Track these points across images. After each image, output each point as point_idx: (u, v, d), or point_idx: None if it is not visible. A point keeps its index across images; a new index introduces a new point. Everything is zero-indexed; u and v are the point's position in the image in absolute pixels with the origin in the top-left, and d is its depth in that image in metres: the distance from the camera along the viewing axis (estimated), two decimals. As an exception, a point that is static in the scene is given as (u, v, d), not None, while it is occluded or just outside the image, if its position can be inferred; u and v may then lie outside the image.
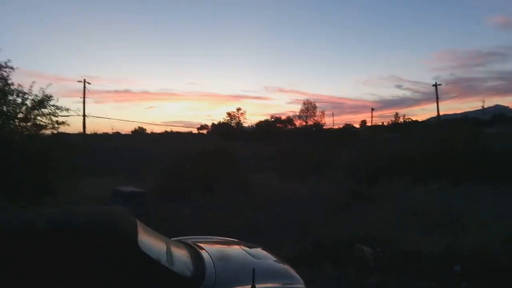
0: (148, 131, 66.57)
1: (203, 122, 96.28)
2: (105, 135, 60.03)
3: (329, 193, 13.15)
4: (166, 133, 61.73)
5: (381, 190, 13.15)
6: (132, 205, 8.12)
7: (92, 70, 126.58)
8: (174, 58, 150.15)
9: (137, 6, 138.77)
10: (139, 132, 65.03)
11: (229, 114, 60.98)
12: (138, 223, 2.86)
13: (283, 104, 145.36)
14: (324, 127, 60.08)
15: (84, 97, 34.14)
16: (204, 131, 67.93)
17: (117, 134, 61.10)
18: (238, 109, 61.38)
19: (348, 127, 73.22)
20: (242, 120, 61.47)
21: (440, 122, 37.69)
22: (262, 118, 73.75)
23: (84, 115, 32.87)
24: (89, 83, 35.09)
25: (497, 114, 74.93)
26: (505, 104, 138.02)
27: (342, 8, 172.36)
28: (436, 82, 38.76)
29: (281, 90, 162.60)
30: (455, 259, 5.82)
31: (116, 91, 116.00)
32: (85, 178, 14.97)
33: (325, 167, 19.58)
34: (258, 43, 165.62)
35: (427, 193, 12.24)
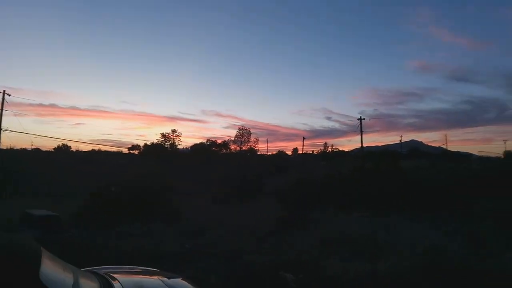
0: (73, 148, 62.21)
1: (135, 142, 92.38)
2: (23, 151, 54.90)
3: (260, 218, 13.23)
4: (93, 151, 58.23)
5: (309, 216, 13.54)
6: (44, 230, 7.36)
7: (15, 81, 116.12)
8: (107, 75, 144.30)
9: (70, 17, 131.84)
10: (63, 150, 60.47)
11: (163, 135, 59.41)
12: (43, 251, 2.58)
13: (219, 129, 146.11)
14: (258, 153, 61.12)
15: (1, 110, 31.11)
16: (136, 152, 65.26)
17: (37, 151, 56.19)
18: (173, 131, 60.10)
19: (281, 154, 75.40)
20: (177, 142, 60.27)
21: (364, 154, 40.43)
22: (198, 141, 73.15)
23: (-1, 129, 29.81)
24: (9, 95, 32.28)
25: (413, 149, 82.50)
26: (420, 140, 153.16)
27: (280, 45, 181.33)
28: (361, 116, 41.87)
29: (219, 115, 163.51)
30: (371, 284, 6.12)
31: (41, 105, 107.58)
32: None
33: (258, 192, 19.74)
34: (197, 66, 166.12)
35: (351, 220, 12.87)
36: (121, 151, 67.33)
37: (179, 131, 61.81)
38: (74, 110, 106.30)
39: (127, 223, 11.60)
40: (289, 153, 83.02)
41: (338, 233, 10.45)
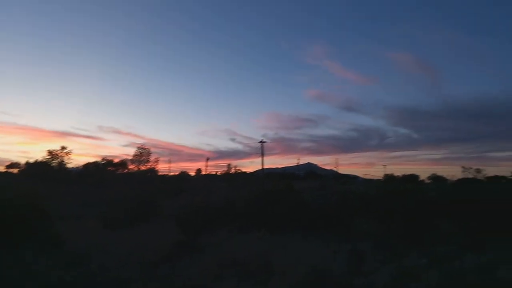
0: None
1: (15, 160, 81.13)
2: None
3: (155, 243, 12.58)
4: (-42, 169, 49.57)
5: (208, 239, 13.34)
6: None
7: None
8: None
9: None
10: None
11: (50, 152, 53.36)
12: None
13: (118, 147, 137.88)
14: (160, 173, 58.86)
15: None
16: (15, 170, 57.40)
17: None
18: (63, 148, 54.47)
19: (184, 175, 74.04)
20: (66, 160, 54.69)
21: (264, 175, 42.06)
22: (92, 160, 67.83)
23: None
24: None
25: (309, 171, 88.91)
26: (315, 163, 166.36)
27: (186, 64, 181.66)
28: (262, 139, 43.99)
29: (117, 132, 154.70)
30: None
31: None
32: None
33: (154, 215, 18.83)
34: (95, 78, 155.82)
35: (248, 242, 13.04)
36: (-4, 168, 58.85)
37: (70, 148, 56.41)
38: None
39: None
40: (193, 173, 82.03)
41: (235, 255, 10.46)
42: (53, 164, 52.62)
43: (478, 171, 55.03)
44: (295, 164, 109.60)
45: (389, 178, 69.30)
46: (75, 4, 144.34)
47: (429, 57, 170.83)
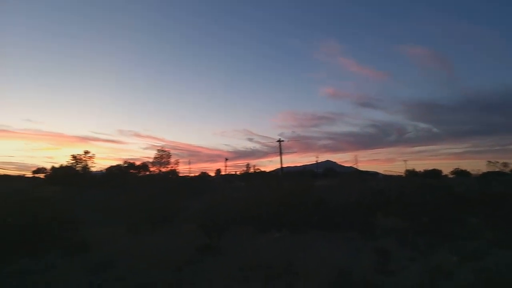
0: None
1: (41, 165, 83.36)
2: None
3: (177, 246, 12.65)
4: (-12, 175, 51.34)
5: (229, 241, 13.33)
6: None
7: None
8: (9, 89, 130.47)
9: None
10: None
11: (74, 157, 54.56)
12: None
13: (138, 149, 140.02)
14: (180, 175, 59.37)
15: None
16: (42, 175, 59.01)
17: None
18: (86, 152, 55.56)
19: (203, 175, 74.60)
20: (90, 165, 55.76)
21: (283, 174, 41.92)
22: (114, 163, 69.05)
23: None
24: None
25: (328, 168, 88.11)
26: (334, 160, 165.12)
27: (202, 67, 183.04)
28: (280, 138, 43.88)
29: (137, 135, 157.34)
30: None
31: None
32: None
33: (176, 218, 18.97)
34: (113, 83, 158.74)
35: (270, 242, 12.98)
36: (24, 175, 60.66)
37: (92, 152, 57.47)
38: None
39: (23, 259, 10.20)
40: (212, 174, 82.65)
41: (258, 257, 10.42)
42: (78, 168, 53.76)
43: (505, 164, 52.62)
44: (314, 162, 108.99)
45: (411, 173, 67.94)
46: (89, 12, 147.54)
47: (444, 49, 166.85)
